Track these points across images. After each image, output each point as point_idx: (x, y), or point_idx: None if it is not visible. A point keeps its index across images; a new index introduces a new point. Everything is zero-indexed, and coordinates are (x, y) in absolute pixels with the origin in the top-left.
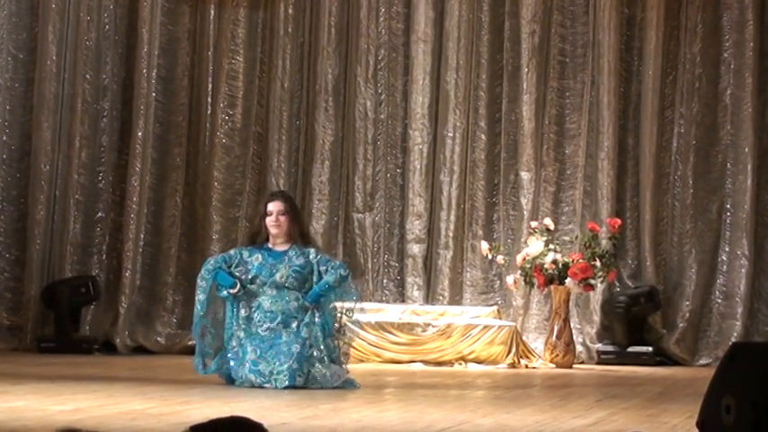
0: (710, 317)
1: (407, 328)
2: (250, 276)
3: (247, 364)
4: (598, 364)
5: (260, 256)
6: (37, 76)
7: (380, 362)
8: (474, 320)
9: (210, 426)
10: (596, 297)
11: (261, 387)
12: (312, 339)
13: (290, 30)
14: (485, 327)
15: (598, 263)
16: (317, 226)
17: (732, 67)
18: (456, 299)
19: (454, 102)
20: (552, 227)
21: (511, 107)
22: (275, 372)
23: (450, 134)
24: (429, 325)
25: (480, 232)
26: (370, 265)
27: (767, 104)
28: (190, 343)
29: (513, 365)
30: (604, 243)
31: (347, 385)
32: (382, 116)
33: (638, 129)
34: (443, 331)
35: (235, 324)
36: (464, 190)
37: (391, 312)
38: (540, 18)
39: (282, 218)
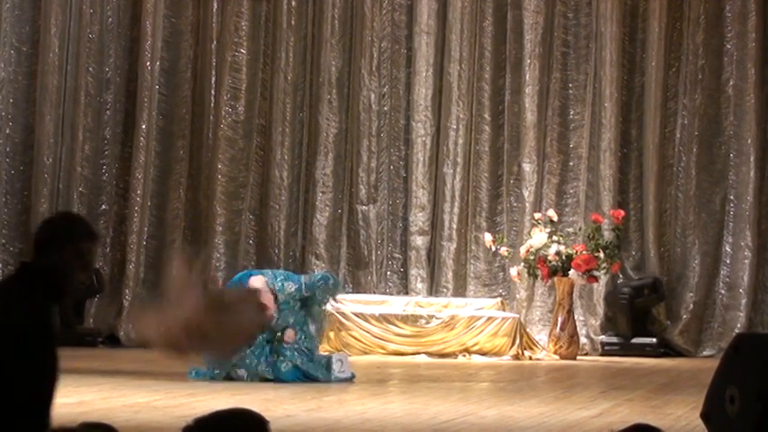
0: (714, 308)
1: (411, 319)
2: None
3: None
4: (602, 355)
5: None
6: (40, 68)
7: (384, 354)
8: (478, 312)
9: (213, 418)
10: (600, 288)
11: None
12: None
13: (293, 22)
14: (488, 318)
15: (602, 254)
16: (321, 218)
17: (735, 58)
18: (460, 291)
19: (457, 93)
20: (556, 218)
21: (514, 99)
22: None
23: (454, 126)
24: (433, 317)
25: (484, 224)
26: (373, 257)
27: None
28: None
29: (516, 357)
30: (608, 234)
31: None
32: (386, 108)
33: (641, 120)
34: (447, 323)
35: None
36: (467, 182)
37: (395, 304)
38: (542, 9)
39: None
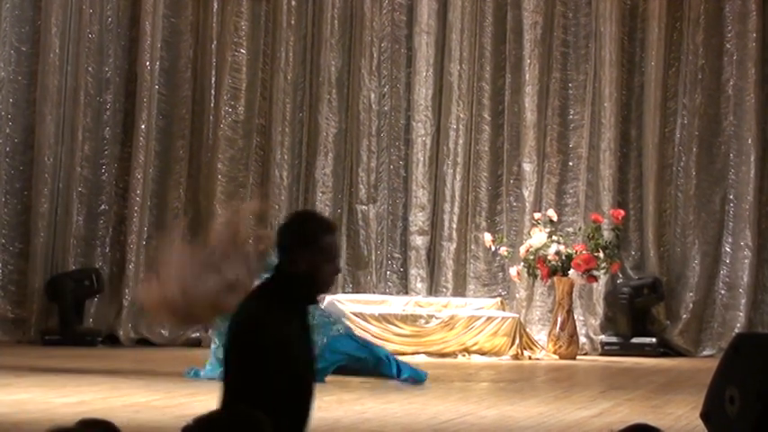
0: (714, 308)
1: (411, 319)
2: None
3: None
4: (602, 355)
5: None
6: (40, 68)
7: None
8: (477, 312)
9: (212, 418)
10: (600, 288)
11: None
12: None
13: (293, 22)
14: (488, 318)
15: (601, 254)
16: None
17: (735, 57)
18: (459, 290)
19: (457, 93)
20: (555, 218)
21: (514, 98)
22: None
23: (454, 126)
24: (432, 317)
25: (483, 224)
26: (373, 257)
27: None
28: (193, 335)
29: (516, 357)
30: (607, 234)
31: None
32: (386, 108)
33: (640, 120)
34: (447, 323)
35: None
36: (467, 182)
37: (395, 304)
38: (542, 9)
39: None
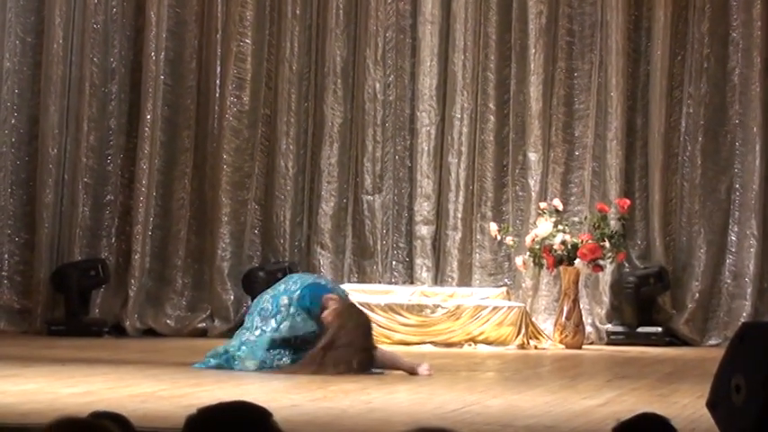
0: (720, 297)
1: (417, 309)
2: None
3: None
4: (607, 344)
5: None
6: (44, 59)
7: (390, 343)
8: (483, 302)
9: (216, 409)
10: (605, 278)
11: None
12: None
13: (297, 12)
14: (494, 308)
15: (607, 243)
16: (327, 208)
17: (740, 46)
18: (465, 280)
19: (462, 83)
20: (561, 208)
21: (519, 88)
22: None
23: (458, 115)
24: (438, 306)
25: (489, 213)
26: (378, 247)
27: None
28: (199, 325)
29: (522, 346)
30: (613, 224)
31: None
32: (391, 98)
33: (646, 109)
34: (453, 313)
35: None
36: (472, 171)
37: (400, 294)
38: None
39: None
